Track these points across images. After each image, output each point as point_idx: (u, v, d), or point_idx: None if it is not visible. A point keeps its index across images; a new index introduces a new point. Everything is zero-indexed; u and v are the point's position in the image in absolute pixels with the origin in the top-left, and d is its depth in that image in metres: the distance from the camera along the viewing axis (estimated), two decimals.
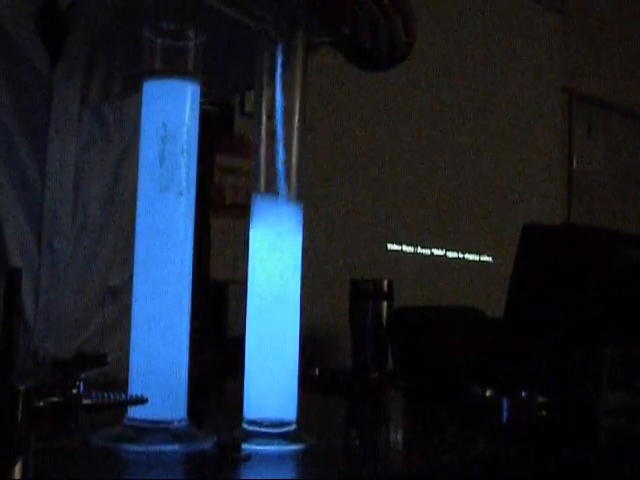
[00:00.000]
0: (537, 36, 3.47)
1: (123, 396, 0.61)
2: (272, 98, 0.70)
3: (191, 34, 0.69)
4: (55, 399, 0.54)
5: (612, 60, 3.81)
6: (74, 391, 0.56)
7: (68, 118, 1.05)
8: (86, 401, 0.57)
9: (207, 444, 0.65)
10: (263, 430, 0.68)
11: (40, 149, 1.04)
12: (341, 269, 2.61)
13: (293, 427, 0.69)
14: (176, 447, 0.64)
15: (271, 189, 0.70)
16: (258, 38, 0.71)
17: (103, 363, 0.61)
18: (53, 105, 1.04)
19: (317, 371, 1.32)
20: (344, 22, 0.81)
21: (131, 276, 0.68)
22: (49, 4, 1.05)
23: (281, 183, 0.70)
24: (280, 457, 0.66)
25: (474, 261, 3.18)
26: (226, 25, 0.83)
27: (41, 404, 0.53)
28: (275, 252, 0.70)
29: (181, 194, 0.67)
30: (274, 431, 0.68)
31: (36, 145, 1.04)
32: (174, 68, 0.68)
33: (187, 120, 0.68)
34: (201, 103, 0.69)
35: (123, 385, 0.67)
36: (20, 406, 0.50)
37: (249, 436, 0.67)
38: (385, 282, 1.36)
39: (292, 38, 0.71)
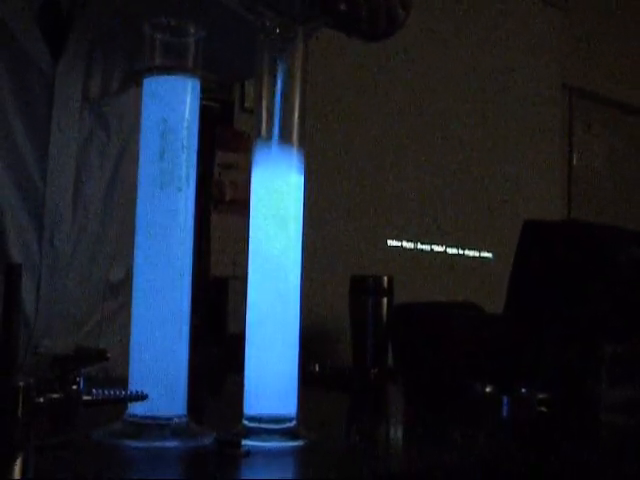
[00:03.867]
0: (537, 33, 3.47)
1: (123, 392, 0.61)
2: (272, 84, 0.70)
3: (191, 30, 0.69)
4: (55, 395, 0.54)
5: (612, 57, 3.81)
6: (74, 387, 0.56)
7: (70, 115, 1.05)
8: (86, 397, 0.57)
9: (207, 440, 0.65)
10: (263, 426, 0.68)
11: (42, 146, 1.04)
12: (341, 265, 2.62)
13: (293, 423, 0.69)
14: (176, 443, 0.64)
15: (272, 134, 0.70)
16: (258, 31, 0.71)
17: (103, 359, 0.61)
18: (55, 102, 1.04)
19: (317, 367, 1.32)
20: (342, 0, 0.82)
21: (131, 271, 0.68)
22: (51, 2, 1.05)
23: (279, 127, 0.70)
24: (280, 453, 0.66)
25: (474, 257, 3.18)
26: (224, 15, 0.83)
27: (41, 400, 0.53)
28: (276, 197, 0.70)
29: (181, 190, 0.67)
30: (274, 427, 0.68)
31: (38, 142, 1.04)
32: (174, 64, 0.68)
33: (187, 116, 0.68)
34: (201, 99, 0.69)
35: (123, 381, 0.67)
36: (20, 402, 0.50)
37: (249, 432, 0.67)
38: (385, 278, 1.36)
39: (292, 32, 0.71)
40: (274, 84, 0.70)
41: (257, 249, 0.70)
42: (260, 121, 0.70)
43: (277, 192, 0.70)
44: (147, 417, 0.65)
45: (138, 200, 0.68)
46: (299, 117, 0.71)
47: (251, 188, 0.71)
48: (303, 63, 0.71)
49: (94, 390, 0.58)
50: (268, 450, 0.66)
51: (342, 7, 0.82)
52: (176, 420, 0.66)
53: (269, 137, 0.70)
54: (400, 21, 0.90)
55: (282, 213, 0.70)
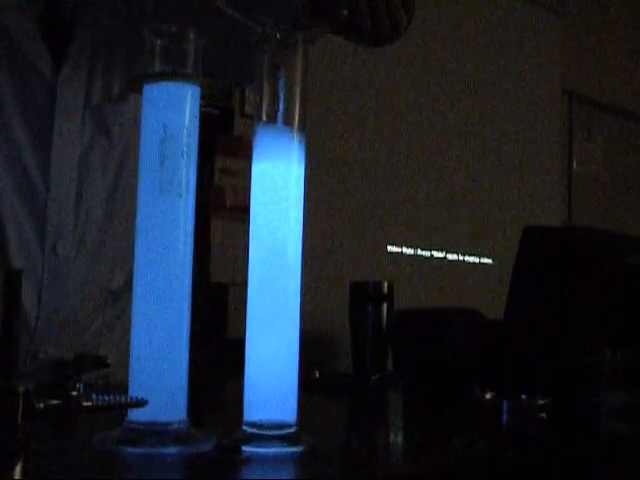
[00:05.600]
0: (537, 38, 3.47)
1: (123, 398, 0.61)
2: (272, 90, 0.70)
3: (191, 36, 0.69)
4: (55, 401, 0.54)
5: (612, 62, 3.81)
6: (74, 393, 0.56)
7: (72, 121, 1.05)
8: (86, 403, 0.57)
9: (207, 446, 0.65)
10: (263, 432, 0.68)
11: (44, 152, 1.04)
12: (341, 271, 2.61)
13: (293, 429, 0.69)
14: (176, 449, 0.64)
15: (273, 119, 0.70)
16: (258, 37, 0.71)
17: (103, 365, 0.61)
18: (57, 108, 1.04)
19: (317, 373, 1.32)
20: (343, 6, 0.82)
21: (131, 277, 0.68)
22: (52, 8, 1.05)
23: (282, 113, 0.70)
24: (280, 459, 0.66)
25: (474, 263, 3.18)
26: (224, 21, 0.84)
27: (41, 406, 0.53)
28: (276, 183, 0.70)
29: (181, 196, 0.67)
30: (274, 433, 0.68)
31: (40, 148, 1.04)
32: (174, 70, 0.68)
33: (187, 122, 0.68)
34: (201, 105, 0.69)
35: (123, 387, 0.67)
36: (20, 408, 0.50)
37: (249, 438, 0.67)
38: (385, 284, 1.36)
39: (292, 38, 0.71)
40: (274, 90, 0.70)
41: (258, 235, 0.70)
42: (261, 118, 0.71)
43: (278, 178, 0.70)
44: (147, 423, 0.65)
45: (138, 206, 0.68)
46: (299, 121, 0.71)
47: (252, 173, 0.71)
48: (303, 69, 0.71)
49: (94, 396, 0.58)
50: (268, 456, 0.66)
51: (344, 13, 0.82)
52: (176, 426, 0.66)
53: (270, 137, 0.71)
54: (403, 26, 0.89)
55: (283, 202, 0.70)
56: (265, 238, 0.70)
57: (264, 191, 0.70)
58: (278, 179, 0.70)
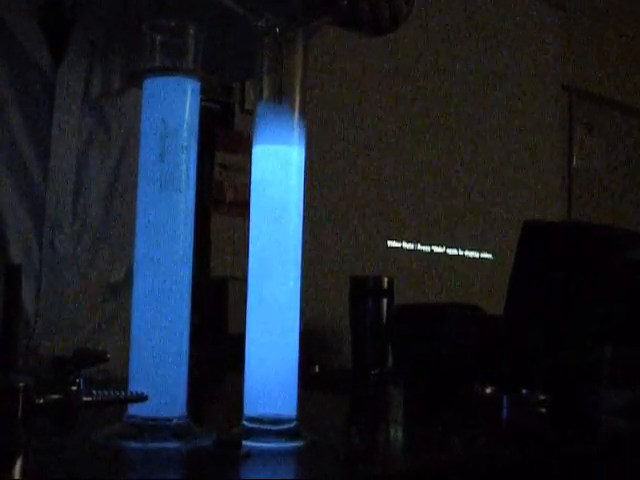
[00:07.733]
0: (538, 33, 3.47)
1: (123, 393, 0.61)
2: (272, 84, 0.70)
3: (191, 30, 0.69)
4: (55, 396, 0.54)
5: (613, 58, 3.81)
6: (74, 388, 0.56)
7: (70, 116, 1.05)
8: (86, 398, 0.57)
9: (207, 441, 0.65)
10: (263, 427, 0.68)
11: (43, 147, 1.04)
12: (341, 266, 2.61)
13: (293, 424, 0.69)
14: (176, 444, 0.64)
15: (275, 99, 0.70)
16: (258, 31, 0.71)
17: (103, 360, 0.61)
18: (56, 103, 1.04)
19: (317, 368, 1.32)
20: None
21: (131, 273, 0.68)
22: (52, 2, 1.05)
23: (284, 98, 0.70)
24: (280, 454, 0.66)
25: (474, 258, 3.18)
26: (224, 15, 0.84)
27: (41, 401, 0.53)
28: (277, 164, 0.70)
29: (181, 191, 0.67)
30: (274, 428, 0.68)
31: (38, 143, 1.04)
32: (174, 65, 0.68)
33: (187, 117, 0.68)
34: (201, 100, 0.69)
35: (123, 382, 0.67)
36: (20, 403, 0.50)
37: (249, 433, 0.67)
38: (385, 279, 1.35)
39: (292, 31, 0.71)
40: (275, 83, 0.70)
41: (258, 227, 0.70)
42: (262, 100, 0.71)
43: (279, 159, 0.70)
44: (147, 418, 0.65)
45: (138, 201, 0.68)
46: (300, 106, 0.71)
47: (252, 155, 0.71)
48: (304, 62, 0.71)
49: (94, 391, 0.58)
50: (268, 451, 0.66)
51: (344, 3, 0.82)
52: (176, 421, 0.66)
53: (269, 136, 0.70)
54: (403, 15, 0.89)
55: (283, 187, 0.70)
56: (265, 229, 0.70)
57: (264, 174, 0.70)
58: (279, 161, 0.70)
